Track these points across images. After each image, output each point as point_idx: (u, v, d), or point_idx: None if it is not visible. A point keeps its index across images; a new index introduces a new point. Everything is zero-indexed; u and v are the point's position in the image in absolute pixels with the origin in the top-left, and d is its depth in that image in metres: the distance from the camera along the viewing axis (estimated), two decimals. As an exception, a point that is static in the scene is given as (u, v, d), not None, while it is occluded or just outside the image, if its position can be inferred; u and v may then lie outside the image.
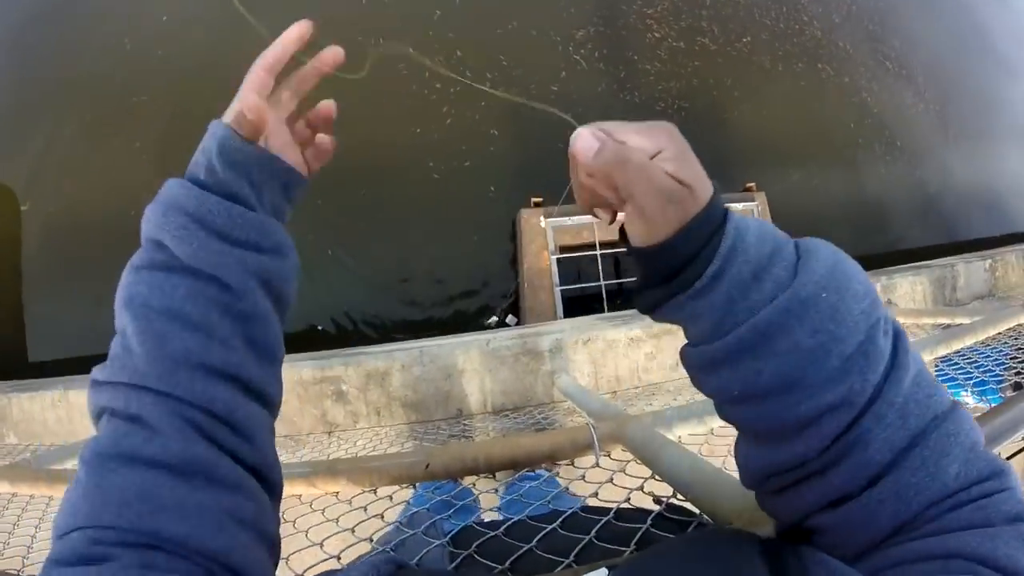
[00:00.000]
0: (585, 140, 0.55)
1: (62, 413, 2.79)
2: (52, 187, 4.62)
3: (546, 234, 4.25)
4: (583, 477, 1.26)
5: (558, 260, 4.23)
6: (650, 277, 0.58)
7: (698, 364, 0.60)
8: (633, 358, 2.64)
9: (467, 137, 4.63)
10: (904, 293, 2.96)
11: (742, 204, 4.39)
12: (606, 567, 0.58)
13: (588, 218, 4.27)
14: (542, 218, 4.23)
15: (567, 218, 4.25)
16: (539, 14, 5.11)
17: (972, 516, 0.49)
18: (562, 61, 4.93)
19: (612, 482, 1.18)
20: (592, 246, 4.23)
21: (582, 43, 5.05)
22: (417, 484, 1.37)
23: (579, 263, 4.33)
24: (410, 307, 4.40)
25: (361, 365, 2.47)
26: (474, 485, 1.40)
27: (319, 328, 4.30)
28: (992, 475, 0.51)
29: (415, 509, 1.20)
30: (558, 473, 1.46)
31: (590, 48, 5.05)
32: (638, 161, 0.52)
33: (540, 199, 4.29)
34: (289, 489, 1.35)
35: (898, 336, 0.56)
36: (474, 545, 0.85)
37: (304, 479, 1.35)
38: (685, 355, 0.62)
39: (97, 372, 0.61)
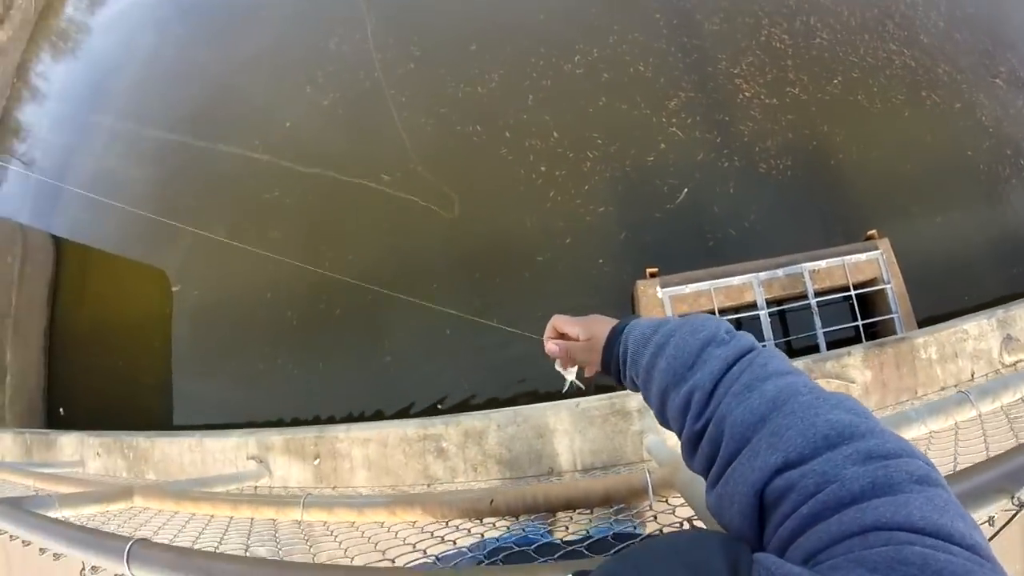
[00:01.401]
0: (548, 347, 1.09)
1: (197, 457, 3.09)
2: (199, 273, 5.12)
3: (663, 303, 4.25)
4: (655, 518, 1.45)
5: None
6: (608, 373, 1.02)
7: (639, 391, 0.95)
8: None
9: (572, 217, 4.73)
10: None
11: (866, 255, 4.25)
12: (572, 572, 0.89)
13: (706, 285, 4.27)
14: (658, 287, 4.23)
15: (684, 286, 4.23)
16: (628, 89, 5.22)
17: (875, 475, 0.53)
18: (658, 133, 4.98)
19: (656, 520, 1.42)
20: (712, 313, 4.12)
21: (675, 112, 5.08)
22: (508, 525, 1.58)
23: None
24: (527, 383, 4.48)
25: (460, 424, 2.62)
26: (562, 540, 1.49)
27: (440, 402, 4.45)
28: (871, 433, 0.58)
29: (494, 546, 1.48)
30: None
31: (683, 116, 5.06)
32: (570, 348, 1.06)
33: (655, 269, 4.29)
34: (372, 516, 1.62)
35: (752, 355, 0.77)
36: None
37: (385, 507, 1.62)
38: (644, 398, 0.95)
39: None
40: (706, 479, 0.76)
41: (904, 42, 5.91)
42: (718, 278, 4.28)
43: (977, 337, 2.62)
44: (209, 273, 4.94)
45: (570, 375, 1.22)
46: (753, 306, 4.32)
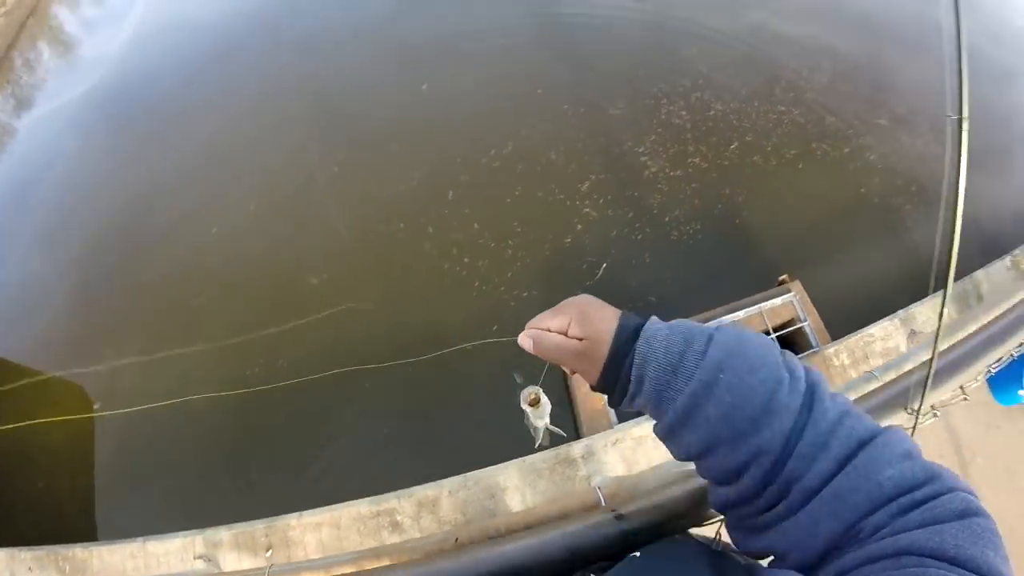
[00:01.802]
0: (523, 341, 0.82)
1: (140, 563, 3.08)
2: (121, 388, 4.90)
3: None
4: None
5: (619, 414, 4.23)
6: (607, 393, 0.81)
7: (660, 438, 0.79)
8: (663, 448, 2.87)
9: (498, 304, 4.87)
10: (925, 320, 3.08)
11: (780, 299, 4.47)
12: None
13: None
14: None
15: None
16: (542, 177, 5.56)
17: (922, 517, 0.56)
18: (573, 215, 5.29)
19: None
20: None
21: (587, 194, 5.42)
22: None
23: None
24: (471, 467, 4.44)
25: (413, 496, 2.76)
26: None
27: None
28: (929, 479, 0.60)
29: None
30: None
31: (595, 197, 5.39)
32: (549, 343, 0.79)
33: None
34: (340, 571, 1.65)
35: (814, 388, 0.69)
36: None
37: (352, 563, 1.76)
38: (655, 432, 0.81)
39: None
40: (732, 506, 0.74)
41: (791, 102, 6.40)
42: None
43: (883, 338, 2.86)
44: (133, 386, 4.84)
45: (542, 420, 1.08)
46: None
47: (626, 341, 0.75)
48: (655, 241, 5.31)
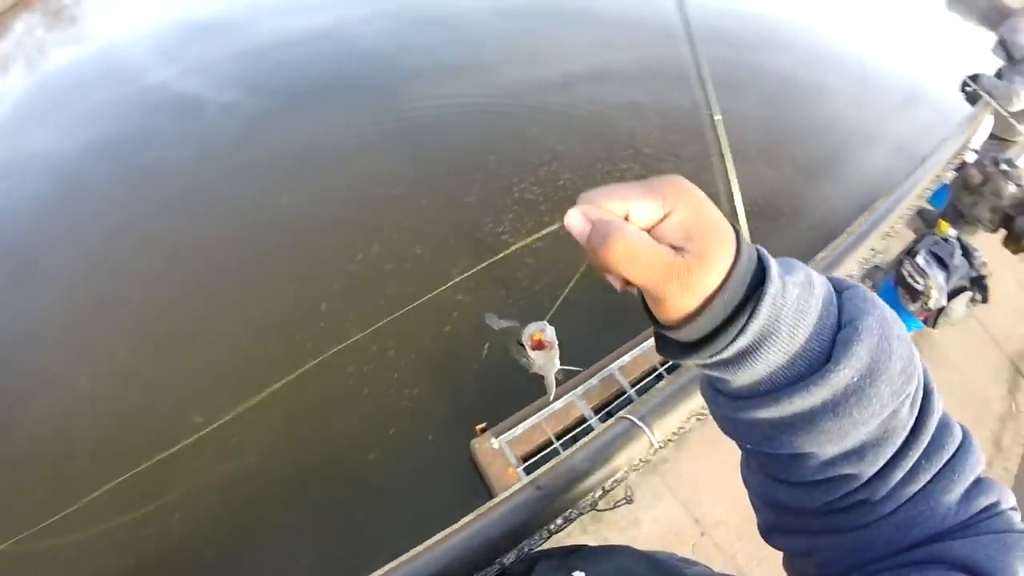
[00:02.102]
0: (573, 222, 0.53)
1: None
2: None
3: (503, 452, 4.31)
4: None
5: (526, 469, 4.24)
6: (683, 340, 0.53)
7: (714, 409, 0.61)
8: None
9: (390, 407, 4.88)
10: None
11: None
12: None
13: (535, 419, 4.42)
14: (492, 440, 4.32)
15: (516, 428, 4.40)
16: (411, 272, 5.69)
17: (964, 534, 0.53)
18: (447, 304, 5.37)
19: None
20: (550, 442, 4.38)
21: (461, 285, 5.53)
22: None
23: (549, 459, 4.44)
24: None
25: None
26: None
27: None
28: (989, 507, 0.54)
29: None
30: None
31: (466, 283, 5.53)
32: (625, 239, 0.48)
33: (483, 425, 4.43)
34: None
35: (927, 396, 0.56)
36: None
37: None
38: (706, 392, 0.61)
39: None
40: (781, 509, 0.64)
41: (631, 158, 7.00)
42: (543, 408, 4.47)
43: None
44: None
45: (553, 365, 0.94)
46: (583, 420, 4.53)
47: (746, 278, 0.49)
48: (531, 311, 5.36)
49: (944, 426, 0.56)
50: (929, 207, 5.20)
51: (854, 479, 0.54)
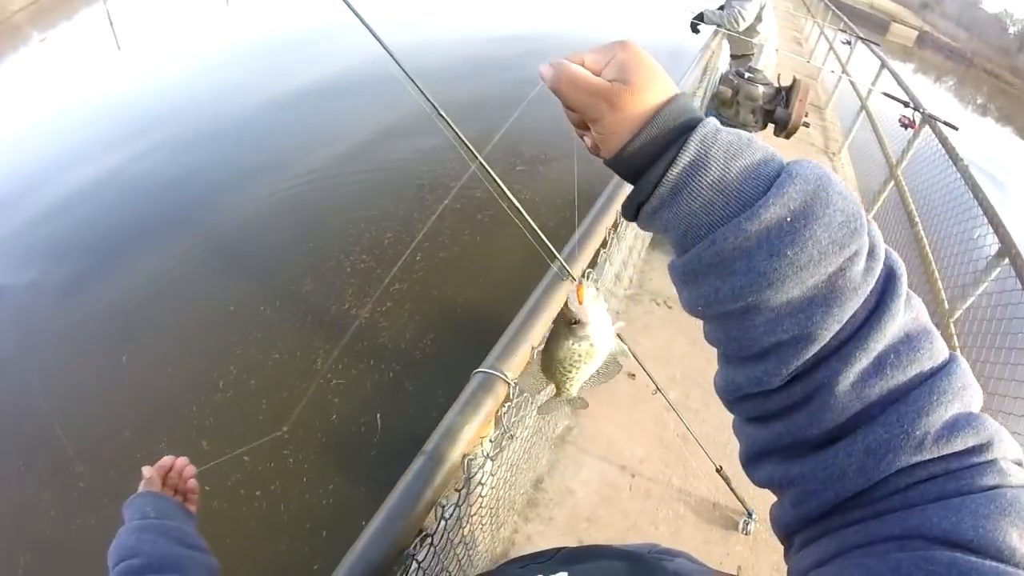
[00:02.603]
0: (543, 70, 0.64)
1: None
2: None
3: None
4: None
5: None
6: (622, 172, 0.63)
7: (673, 278, 0.63)
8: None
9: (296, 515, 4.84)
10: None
11: None
12: None
13: None
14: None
15: None
16: (277, 377, 5.64)
17: (944, 487, 0.48)
18: (325, 393, 5.45)
19: None
20: None
21: (326, 369, 5.60)
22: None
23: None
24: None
25: None
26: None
27: None
28: (978, 447, 0.50)
29: None
30: None
31: (335, 367, 5.62)
32: (569, 70, 0.62)
33: None
34: None
35: (891, 278, 0.55)
36: None
37: None
38: (670, 270, 0.64)
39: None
40: (737, 395, 0.62)
41: (441, 198, 7.24)
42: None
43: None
44: None
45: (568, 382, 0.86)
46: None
47: (678, 117, 0.58)
48: (407, 370, 5.63)
49: (925, 332, 0.54)
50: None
51: (804, 342, 0.53)
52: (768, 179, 0.54)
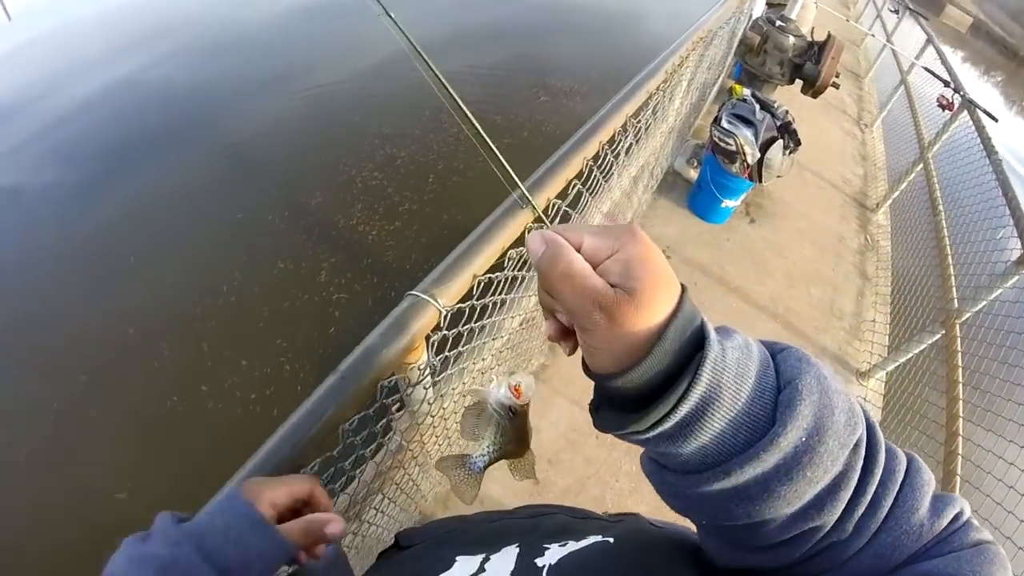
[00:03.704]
0: (533, 242, 0.55)
1: None
2: None
3: None
4: None
5: None
6: (604, 400, 0.56)
7: (662, 488, 0.59)
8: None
9: None
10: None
11: None
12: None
13: None
14: None
15: None
16: (281, 288, 5.65)
17: (941, 548, 0.52)
18: (327, 306, 5.44)
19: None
20: None
21: (328, 283, 5.61)
22: None
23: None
24: None
25: None
26: None
27: None
28: (956, 515, 0.55)
29: None
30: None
31: (337, 281, 5.62)
32: (568, 266, 0.51)
33: None
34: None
35: (871, 435, 0.56)
36: None
37: None
38: (648, 470, 0.60)
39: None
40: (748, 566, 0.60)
41: (461, 120, 6.99)
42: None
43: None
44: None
45: (481, 448, 0.84)
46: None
47: (683, 335, 0.51)
48: (409, 289, 5.48)
49: (891, 452, 0.56)
50: (731, 81, 5.53)
51: (818, 530, 0.53)
52: (772, 391, 0.52)
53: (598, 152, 1.95)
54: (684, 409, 0.49)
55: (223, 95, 8.42)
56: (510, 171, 1.60)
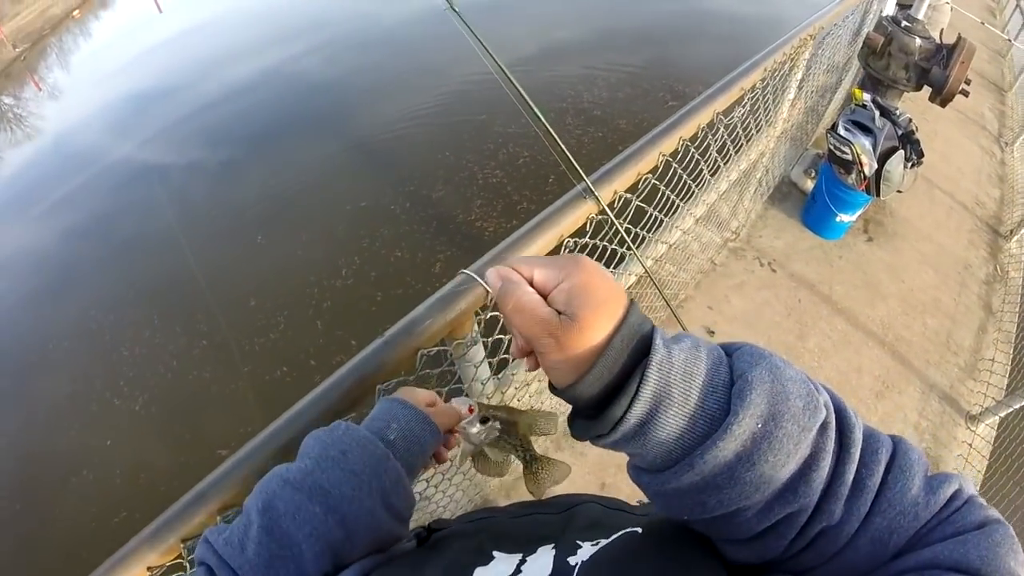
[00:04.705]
0: (490, 278, 0.63)
1: None
2: None
3: None
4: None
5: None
6: (577, 412, 0.61)
7: (645, 490, 0.62)
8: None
9: None
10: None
11: None
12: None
13: None
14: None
15: None
16: (396, 275, 5.85)
17: (944, 530, 0.53)
18: (438, 295, 5.54)
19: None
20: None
21: (441, 274, 5.81)
22: None
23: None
24: None
25: None
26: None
27: None
28: (955, 493, 0.56)
29: None
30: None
31: (452, 274, 5.75)
32: (516, 295, 0.59)
33: None
34: None
35: (841, 418, 0.58)
36: None
37: None
38: (631, 476, 0.63)
39: (212, 533, 0.71)
40: (745, 562, 0.62)
41: (585, 124, 7.16)
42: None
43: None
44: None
45: (474, 429, 0.88)
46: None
47: (628, 345, 0.57)
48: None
49: (870, 435, 0.58)
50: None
51: (800, 514, 0.55)
52: (725, 386, 0.55)
53: (676, 148, 1.89)
54: (638, 408, 0.54)
55: (359, 89, 8.94)
56: (573, 162, 1.62)
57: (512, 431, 0.90)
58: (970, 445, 3.79)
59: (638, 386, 0.53)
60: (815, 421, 0.54)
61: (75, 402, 5.66)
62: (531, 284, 0.61)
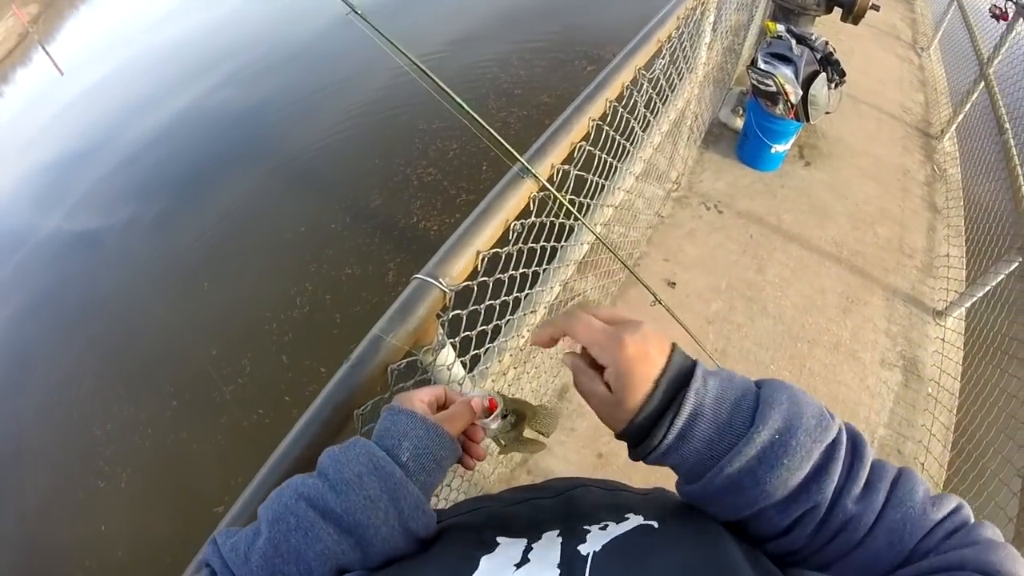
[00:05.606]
0: (538, 338, 0.81)
1: None
2: None
3: None
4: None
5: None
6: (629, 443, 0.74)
7: (689, 498, 0.73)
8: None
9: None
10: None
11: None
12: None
13: None
14: None
15: None
16: (351, 293, 5.79)
17: (965, 539, 0.60)
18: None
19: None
20: None
21: (395, 283, 5.74)
22: None
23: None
24: None
25: None
26: None
27: None
28: (957, 507, 0.65)
29: None
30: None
31: (404, 279, 5.69)
32: (581, 382, 0.76)
33: None
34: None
35: (855, 440, 0.68)
36: None
37: None
38: (679, 491, 0.75)
39: (221, 536, 0.72)
40: (773, 555, 0.69)
41: (505, 106, 7.07)
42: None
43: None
44: None
45: (494, 425, 0.89)
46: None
47: (670, 391, 0.69)
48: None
49: (879, 461, 0.69)
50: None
51: (816, 510, 0.65)
52: (751, 410, 0.67)
53: (605, 112, 1.88)
54: (679, 423, 0.66)
55: (275, 114, 8.73)
56: (505, 144, 1.60)
57: (519, 425, 0.94)
58: (943, 340, 3.90)
59: (679, 406, 0.67)
60: (827, 436, 0.65)
61: (60, 495, 5.49)
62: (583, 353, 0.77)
